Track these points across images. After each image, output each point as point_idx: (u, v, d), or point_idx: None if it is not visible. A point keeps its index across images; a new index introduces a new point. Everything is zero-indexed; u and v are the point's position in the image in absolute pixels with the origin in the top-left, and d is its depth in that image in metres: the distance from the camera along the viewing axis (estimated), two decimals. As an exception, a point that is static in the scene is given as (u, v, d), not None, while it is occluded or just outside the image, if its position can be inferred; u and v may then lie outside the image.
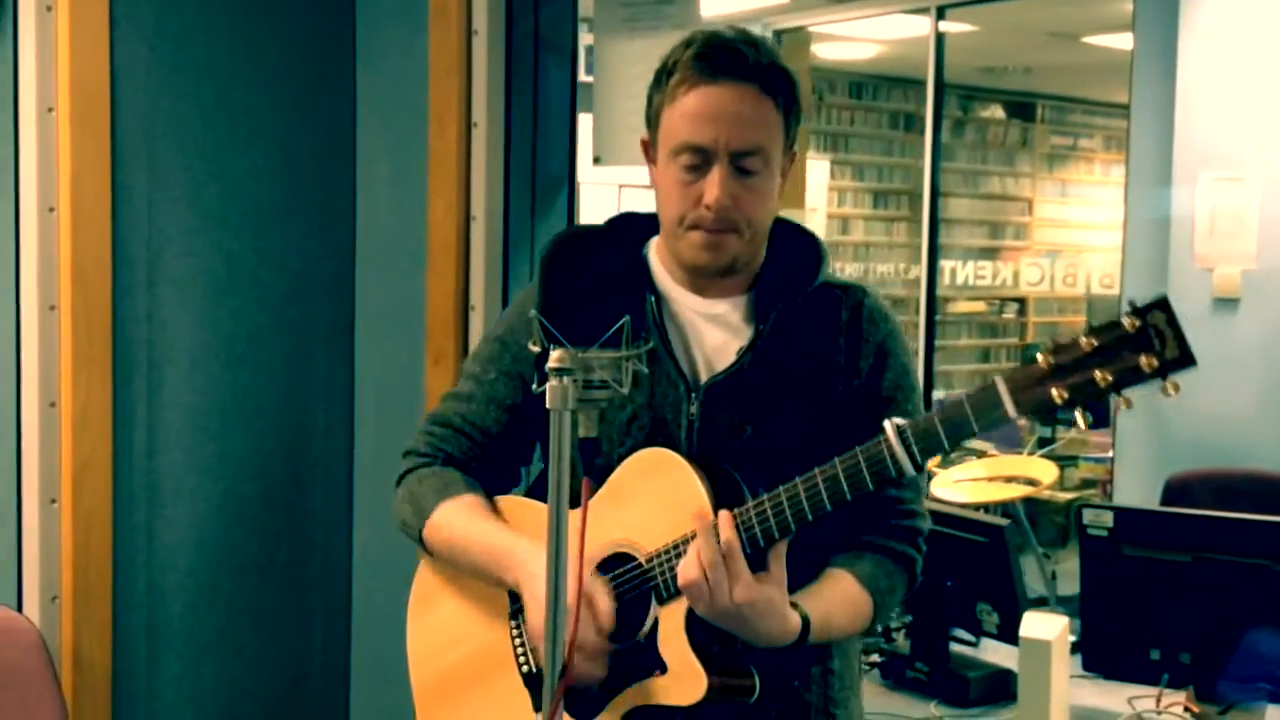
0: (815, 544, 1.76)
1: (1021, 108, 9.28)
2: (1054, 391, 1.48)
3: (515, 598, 1.84)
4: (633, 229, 1.90)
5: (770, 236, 1.84)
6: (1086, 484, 6.32)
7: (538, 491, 1.92)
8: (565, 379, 1.47)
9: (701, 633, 1.69)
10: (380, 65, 3.03)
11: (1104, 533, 2.65)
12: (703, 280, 1.83)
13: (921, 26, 6.32)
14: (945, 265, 7.28)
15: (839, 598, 1.77)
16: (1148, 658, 2.59)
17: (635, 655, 1.73)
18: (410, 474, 1.95)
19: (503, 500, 1.92)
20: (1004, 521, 2.85)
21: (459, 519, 1.87)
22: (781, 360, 1.80)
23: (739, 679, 1.72)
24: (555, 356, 1.47)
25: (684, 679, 1.69)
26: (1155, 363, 1.45)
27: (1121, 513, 2.70)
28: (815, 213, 7.78)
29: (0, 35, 2.69)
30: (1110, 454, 5.74)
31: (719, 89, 1.71)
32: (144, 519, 2.83)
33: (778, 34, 6.77)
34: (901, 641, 2.83)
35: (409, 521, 1.92)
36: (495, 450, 1.94)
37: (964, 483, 5.49)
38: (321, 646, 3.13)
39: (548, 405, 1.48)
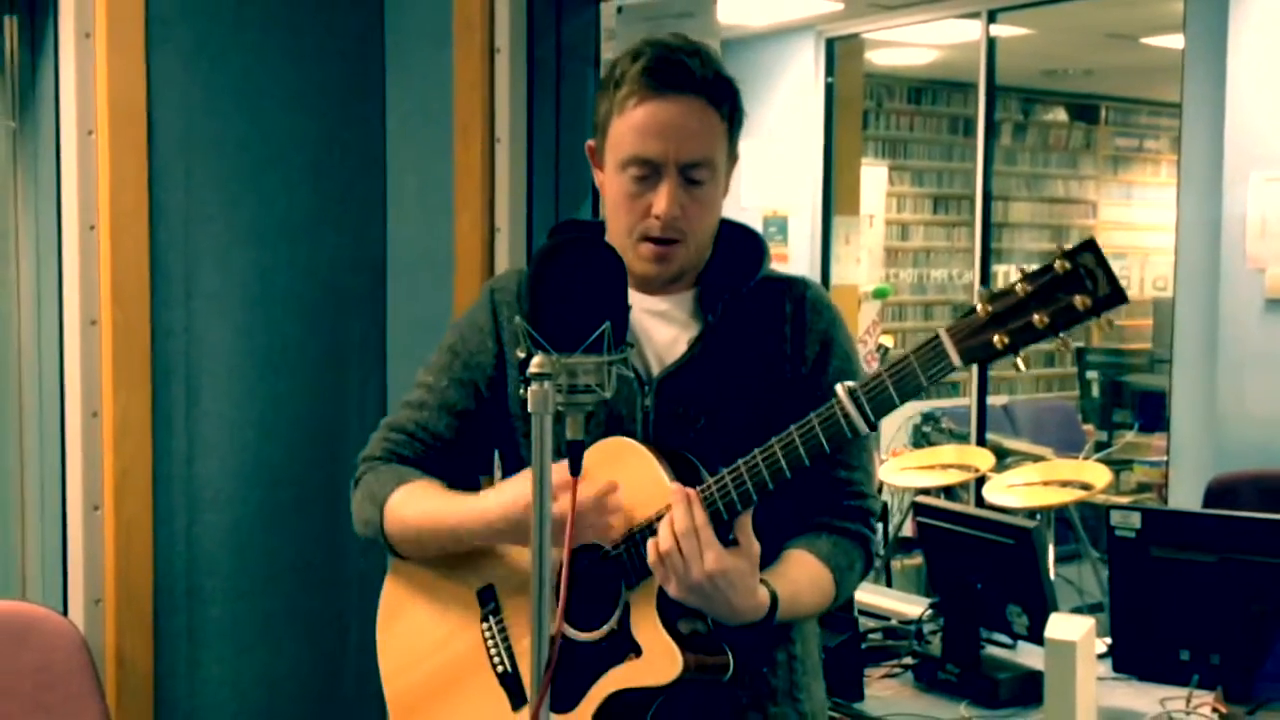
0: (771, 528, 1.78)
1: (1084, 110, 9.19)
2: (995, 338, 1.51)
3: (485, 600, 1.87)
4: (593, 236, 1.90)
5: (717, 236, 1.88)
6: (1142, 488, 6.28)
7: None
8: (546, 384, 1.50)
9: (673, 613, 1.72)
10: (408, 82, 3.12)
11: (1132, 534, 2.66)
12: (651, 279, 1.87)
13: (974, 31, 6.31)
14: (1003, 269, 7.26)
15: (803, 576, 1.79)
16: (1178, 658, 2.59)
17: (609, 642, 1.75)
18: (366, 475, 1.95)
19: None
20: (1031, 524, 2.85)
21: (420, 498, 1.86)
22: (729, 351, 1.83)
23: (713, 656, 1.74)
24: (535, 362, 1.50)
25: (659, 659, 1.71)
26: (1088, 301, 1.48)
27: (1149, 514, 2.71)
28: (874, 219, 7.78)
29: (42, 61, 2.82)
30: (1165, 458, 5.72)
31: (667, 103, 1.74)
32: (183, 524, 2.94)
33: (830, 41, 6.79)
34: (935, 644, 2.85)
35: (369, 518, 1.91)
36: (448, 455, 1.94)
37: (1018, 487, 5.46)
38: (357, 648, 3.21)
39: (529, 409, 1.50)
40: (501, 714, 1.84)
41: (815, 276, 6.84)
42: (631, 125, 1.76)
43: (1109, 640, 2.75)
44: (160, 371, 2.87)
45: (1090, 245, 1.49)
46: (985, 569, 2.77)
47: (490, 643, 1.86)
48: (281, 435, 3.06)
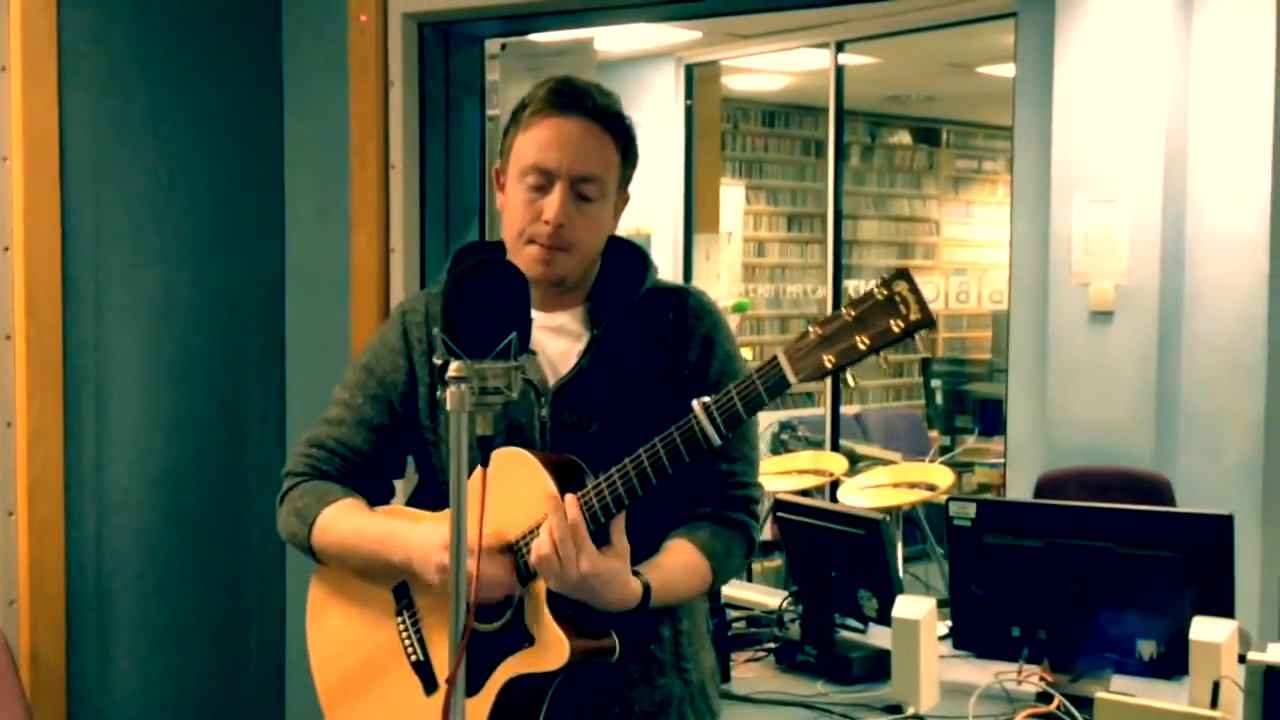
0: (663, 519, 1.96)
1: (928, 133, 9.58)
2: (825, 358, 1.67)
3: (399, 595, 2.02)
4: (481, 255, 2.02)
5: (603, 252, 2.01)
6: (984, 488, 6.59)
7: (416, 502, 2.09)
8: (462, 385, 1.67)
9: (561, 605, 1.84)
10: (306, 113, 3.30)
11: (968, 523, 2.79)
12: (544, 296, 1.97)
13: (824, 60, 6.61)
14: (853, 284, 7.57)
15: (678, 565, 1.93)
16: (1009, 635, 2.73)
17: (505, 633, 1.88)
18: (291, 491, 2.06)
19: (381, 510, 2.08)
20: (880, 516, 3.05)
21: (342, 519, 2.00)
22: (617, 360, 1.96)
23: (599, 640, 1.87)
24: (453, 367, 1.67)
25: (550, 647, 1.84)
26: (902, 324, 1.64)
27: (983, 504, 2.85)
28: (732, 236, 8.02)
29: (-42, 91, 2.95)
30: (1003, 460, 6.02)
31: (567, 120, 1.90)
32: (94, 528, 3.07)
33: (690, 68, 7.04)
34: (794, 629, 3.03)
35: (296, 533, 2.02)
36: (366, 467, 2.06)
37: (869, 489, 5.73)
38: (259, 645, 3.37)
39: (448, 409, 1.67)
40: (415, 698, 1.97)
41: (677, 292, 7.07)
42: (532, 138, 1.91)
43: (950, 622, 2.88)
44: (71, 383, 3.00)
45: (904, 275, 1.67)
46: (839, 559, 2.97)
47: (405, 635, 2.00)
48: (186, 442, 3.20)
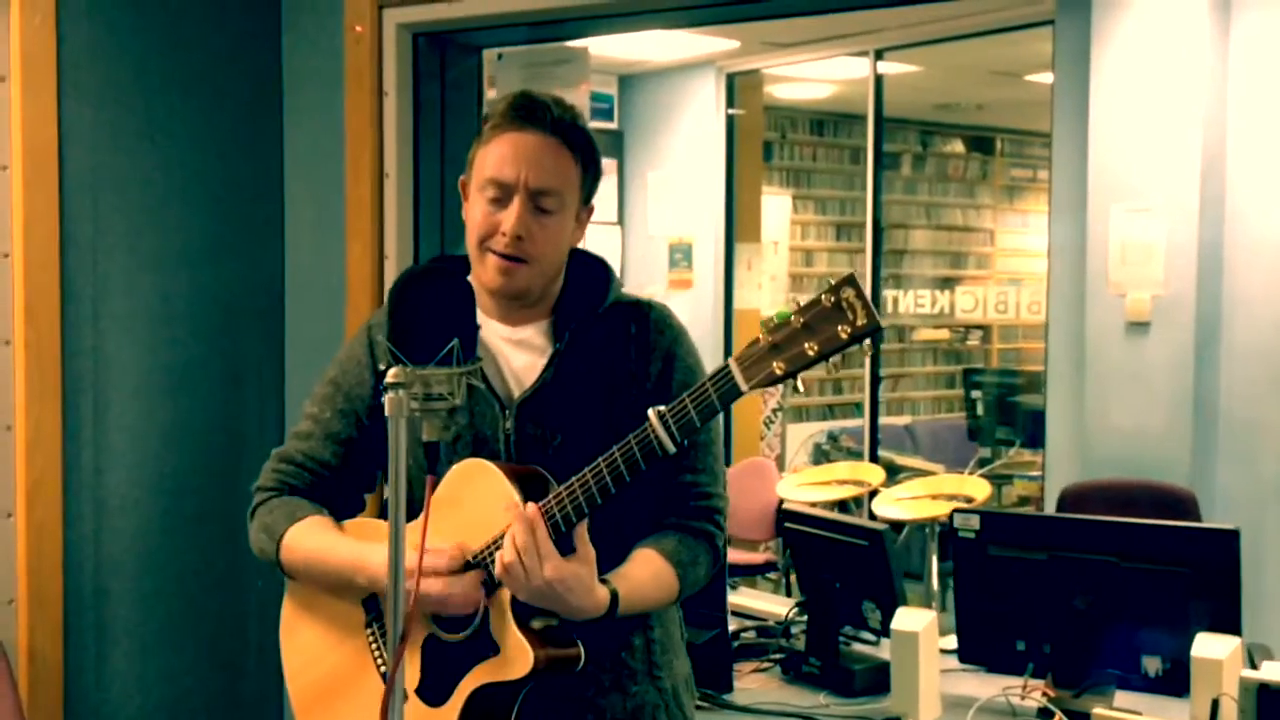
0: (627, 531, 1.98)
1: (981, 142, 9.50)
2: (774, 365, 1.68)
3: (369, 608, 2.04)
4: (456, 268, 2.07)
5: (569, 267, 2.03)
6: (1023, 501, 6.53)
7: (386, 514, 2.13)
8: (401, 391, 1.69)
9: (526, 614, 1.86)
10: (304, 123, 3.35)
11: (972, 535, 2.78)
12: (509, 309, 2.01)
13: (865, 68, 6.58)
14: (903, 294, 7.51)
15: (646, 574, 1.94)
16: (1014, 649, 2.71)
17: (471, 643, 1.92)
18: (260, 506, 2.10)
19: (350, 523, 2.11)
20: (882, 526, 3.03)
21: (308, 537, 2.03)
22: (580, 373, 1.97)
23: (564, 649, 1.88)
24: (392, 372, 1.68)
25: (514, 656, 1.86)
26: (849, 330, 1.64)
27: (987, 516, 2.84)
28: (778, 245, 8.00)
29: (-39, 103, 3.03)
30: (1039, 473, 5.97)
31: (525, 135, 1.93)
32: (92, 530, 3.13)
33: (730, 76, 7.05)
34: (801, 640, 3.03)
35: (265, 549, 2.06)
36: (335, 480, 2.09)
37: (905, 500, 5.70)
38: (256, 647, 3.41)
39: (387, 414, 1.68)
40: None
41: (718, 301, 7.07)
42: (492, 151, 1.94)
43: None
44: (70, 388, 3.06)
45: (850, 280, 1.67)
46: (843, 570, 2.95)
47: (374, 645, 2.03)
48: (185, 447, 3.25)
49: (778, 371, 1.68)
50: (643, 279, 7.22)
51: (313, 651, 2.11)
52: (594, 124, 7.18)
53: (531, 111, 1.95)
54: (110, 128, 3.11)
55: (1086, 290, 5.20)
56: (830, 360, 1.69)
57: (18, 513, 3.02)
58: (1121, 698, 2.60)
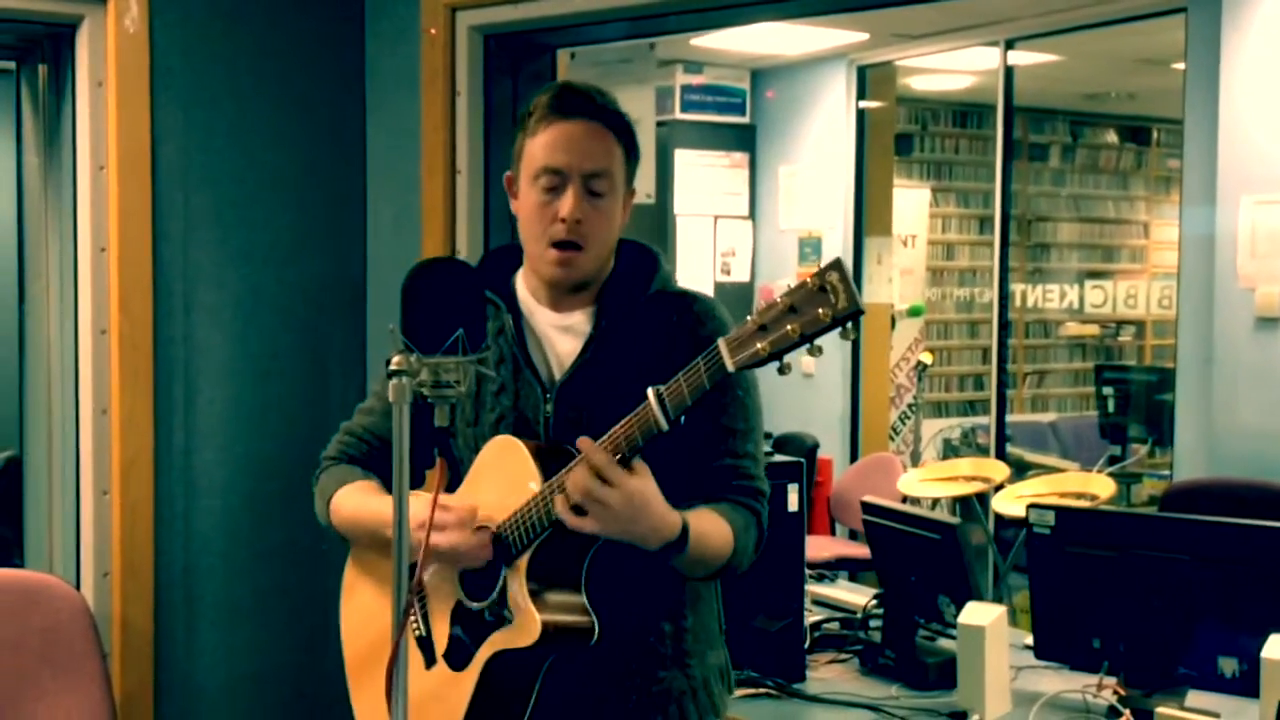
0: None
1: (1137, 132, 9.22)
2: (759, 346, 1.70)
3: (411, 574, 2.11)
4: (506, 259, 2.20)
5: (617, 255, 2.10)
6: (1153, 500, 6.36)
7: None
8: (404, 378, 1.76)
9: (540, 584, 1.93)
10: (385, 122, 3.48)
11: (1047, 531, 2.76)
12: (558, 296, 2.09)
13: (1010, 59, 6.46)
14: (1032, 289, 7.37)
15: (707, 520, 1.96)
16: (1090, 646, 2.69)
17: (492, 612, 2.01)
18: (322, 474, 2.27)
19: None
20: (955, 520, 3.03)
21: (351, 499, 2.17)
22: (619, 357, 2.02)
23: (574, 617, 1.94)
24: (394, 360, 1.76)
25: (523, 623, 1.93)
26: (830, 313, 1.65)
27: (1062, 512, 2.82)
28: (915, 239, 7.92)
29: (64, 105, 3.24)
30: (1168, 471, 5.82)
31: (571, 124, 2.01)
32: (182, 509, 3.31)
33: (861, 69, 6.99)
34: (879, 633, 3.05)
35: (320, 511, 2.22)
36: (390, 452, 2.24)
37: (1026, 497, 5.62)
38: (339, 623, 3.54)
39: (390, 400, 1.75)
40: (418, 671, 2.07)
41: (848, 295, 7.02)
42: (540, 143, 2.02)
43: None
44: (162, 374, 3.25)
45: (836, 264, 1.68)
46: (918, 563, 2.96)
47: (412, 611, 2.11)
48: (271, 432, 3.41)
49: (762, 352, 1.70)
50: (773, 273, 7.22)
51: (364, 616, 2.23)
52: (726, 118, 7.21)
53: (574, 102, 2.03)
54: (201, 128, 3.29)
55: (1215, 284, 5.09)
56: (814, 343, 1.69)
57: (113, 491, 3.22)
58: (1197, 698, 2.56)
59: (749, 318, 1.73)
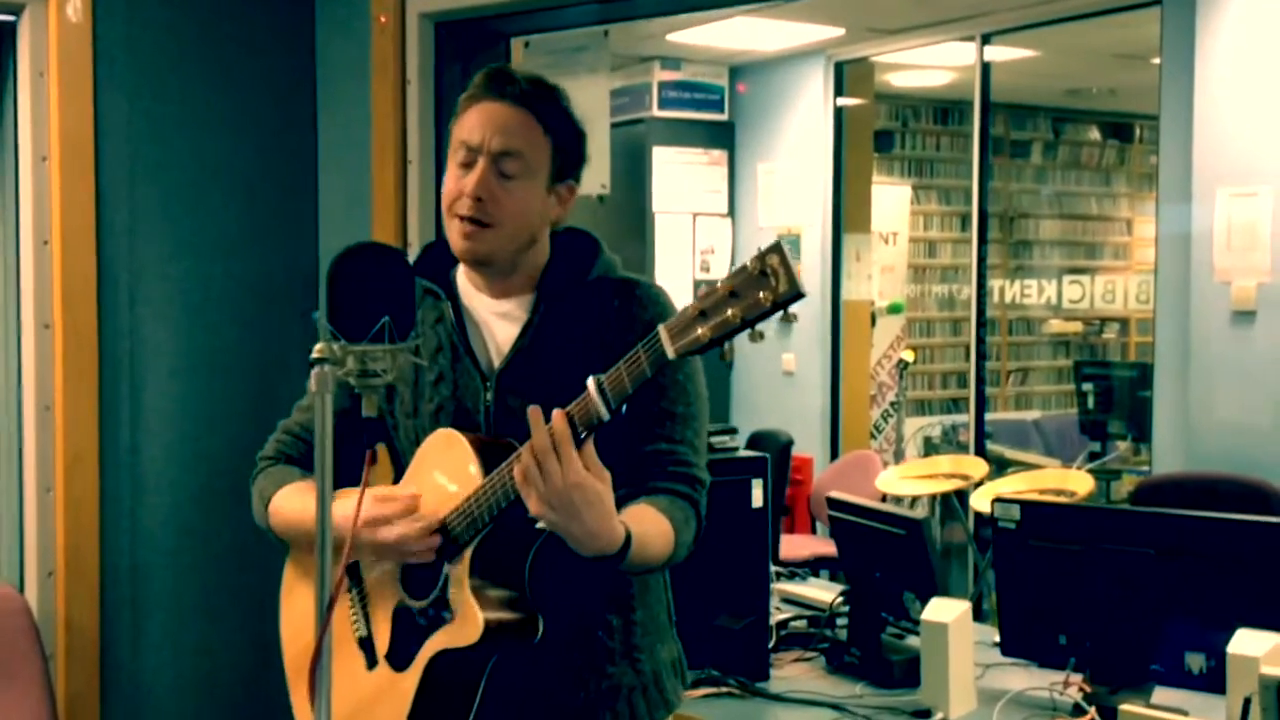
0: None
1: (1119, 128, 9.19)
2: (700, 331, 1.66)
3: (351, 575, 2.09)
4: (448, 249, 2.10)
5: (556, 243, 2.09)
6: (1131, 496, 6.32)
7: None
8: (326, 367, 1.70)
9: (485, 582, 1.88)
10: (337, 111, 3.43)
11: (1012, 525, 2.73)
12: (494, 282, 2.05)
13: (986, 54, 6.42)
14: (1010, 284, 7.34)
15: (648, 522, 1.90)
16: (1056, 642, 2.66)
17: (436, 611, 1.95)
18: (259, 474, 2.20)
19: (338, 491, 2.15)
20: (920, 515, 2.97)
21: (291, 501, 2.10)
22: (558, 343, 1.98)
23: (518, 615, 1.89)
24: (316, 348, 1.70)
25: (465, 621, 1.88)
26: (771, 297, 1.61)
27: (1027, 506, 2.78)
28: (896, 237, 7.88)
29: (4, 96, 3.18)
30: (1147, 467, 5.78)
31: (494, 103, 1.98)
32: (128, 506, 3.26)
33: (839, 65, 6.95)
34: (845, 631, 3.00)
35: (258, 514, 2.16)
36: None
37: (1004, 495, 5.57)
38: (291, 622, 3.50)
39: (310, 388, 1.70)
40: (359, 672, 2.05)
41: (826, 291, 6.99)
42: (463, 119, 2.00)
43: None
44: (107, 370, 3.20)
45: (776, 247, 1.64)
46: (884, 559, 2.92)
47: (353, 611, 2.08)
48: (219, 428, 3.36)
49: (703, 338, 1.66)
50: (752, 270, 7.14)
51: (303, 617, 2.16)
52: (704, 115, 7.15)
53: (501, 83, 2.00)
54: (146, 118, 3.24)
55: (1191, 278, 5.05)
56: (756, 328, 1.65)
57: (57, 488, 3.16)
58: (1164, 694, 2.52)
59: (689, 304, 1.70)
